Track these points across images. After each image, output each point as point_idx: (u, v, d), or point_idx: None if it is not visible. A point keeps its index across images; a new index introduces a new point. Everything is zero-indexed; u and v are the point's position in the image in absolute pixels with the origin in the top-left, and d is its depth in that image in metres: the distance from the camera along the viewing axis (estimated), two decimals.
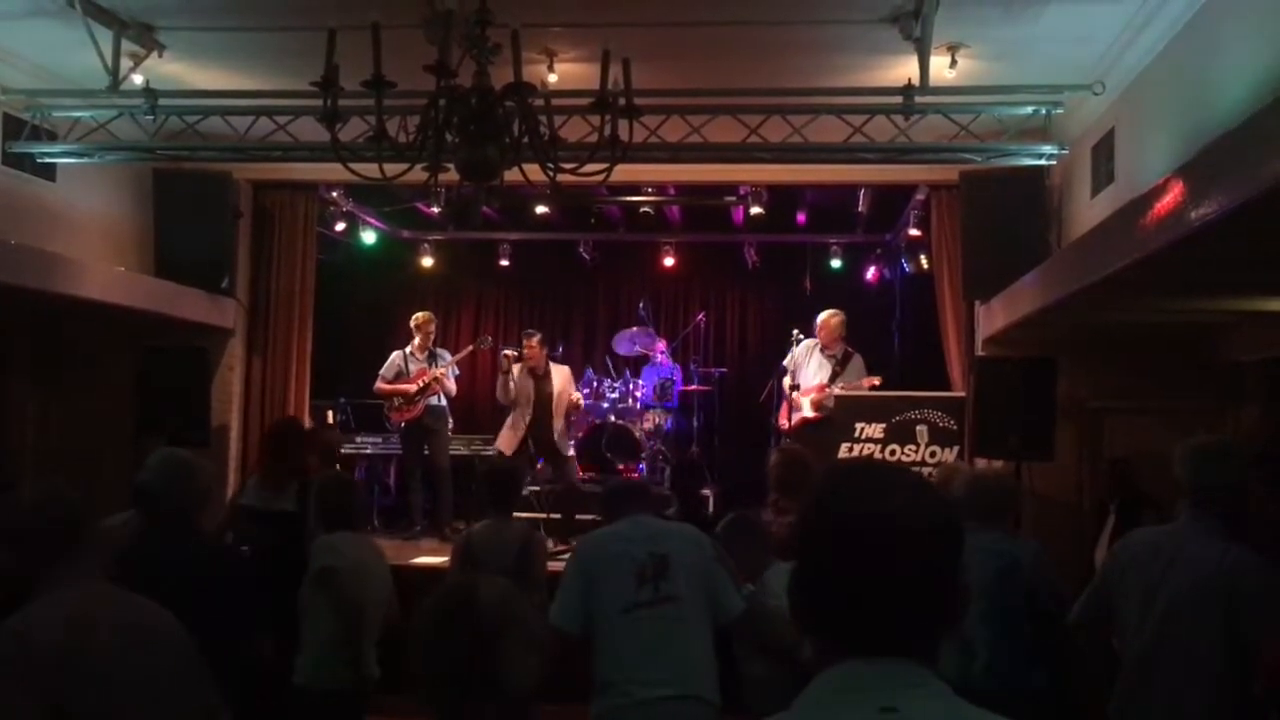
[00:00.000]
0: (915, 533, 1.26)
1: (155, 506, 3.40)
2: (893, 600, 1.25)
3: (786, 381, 8.10)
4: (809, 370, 8.05)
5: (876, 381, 7.85)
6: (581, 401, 8.57)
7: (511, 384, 7.95)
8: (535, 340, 8.05)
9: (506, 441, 7.99)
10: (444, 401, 8.53)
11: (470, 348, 9.16)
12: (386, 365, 8.47)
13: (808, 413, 7.82)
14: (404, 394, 8.34)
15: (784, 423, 8.02)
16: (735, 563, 3.73)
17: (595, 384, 9.95)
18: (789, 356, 8.18)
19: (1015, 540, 4.32)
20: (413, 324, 8.61)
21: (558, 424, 8.01)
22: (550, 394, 8.00)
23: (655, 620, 3.28)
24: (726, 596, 3.40)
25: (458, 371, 8.73)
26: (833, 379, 7.88)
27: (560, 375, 8.15)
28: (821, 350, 8.07)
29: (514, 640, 1.69)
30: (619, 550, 3.39)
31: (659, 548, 3.38)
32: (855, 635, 1.27)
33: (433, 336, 8.65)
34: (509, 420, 8.06)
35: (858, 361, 8.03)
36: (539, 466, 8.68)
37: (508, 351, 8.14)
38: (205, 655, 2.91)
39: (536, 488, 8.74)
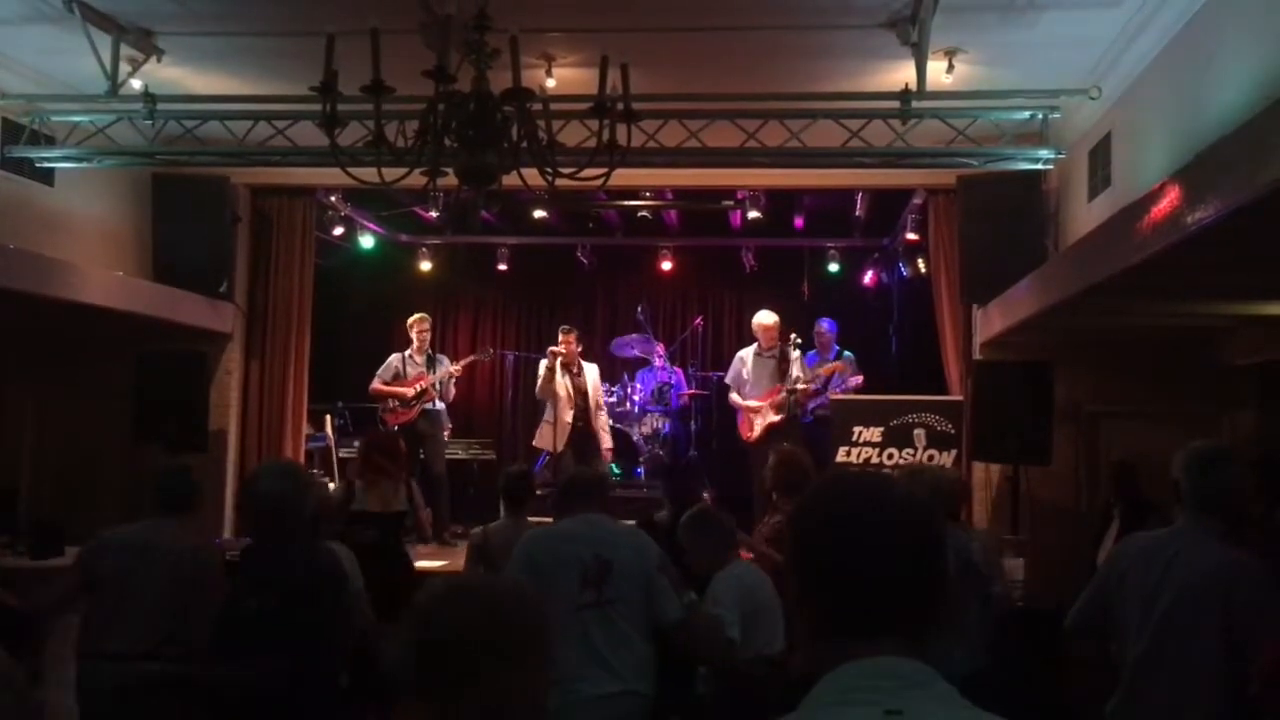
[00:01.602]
0: (902, 532, 1.30)
1: (291, 515, 3.38)
2: (888, 599, 1.28)
3: (734, 396, 8.35)
4: (753, 376, 8.18)
5: (839, 366, 8.03)
6: (602, 403, 8.73)
7: (554, 382, 8.26)
8: (573, 336, 8.40)
9: (549, 438, 8.22)
10: (441, 405, 8.55)
11: (471, 357, 9.17)
12: (384, 367, 8.53)
13: (771, 417, 7.93)
14: (400, 396, 8.39)
15: (746, 434, 8.18)
16: (696, 556, 4.00)
17: None
18: (729, 374, 8.49)
19: (969, 532, 4.40)
20: (408, 326, 8.67)
21: (597, 418, 8.40)
22: (585, 390, 8.36)
23: (598, 622, 3.42)
24: (663, 604, 3.51)
25: (457, 373, 8.79)
26: (784, 377, 8.03)
27: (592, 373, 8.51)
28: (758, 355, 8.26)
29: (497, 647, 1.65)
30: (566, 551, 3.50)
31: (604, 552, 3.49)
32: (855, 636, 1.28)
33: (428, 337, 8.67)
34: (547, 417, 8.31)
35: (795, 355, 8.20)
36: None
37: (553, 349, 8.41)
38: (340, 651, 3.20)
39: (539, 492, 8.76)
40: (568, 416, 8.20)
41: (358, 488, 5.55)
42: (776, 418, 7.90)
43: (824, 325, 8.90)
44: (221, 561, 3.97)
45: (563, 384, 8.26)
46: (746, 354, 8.44)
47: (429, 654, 1.63)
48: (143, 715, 3.74)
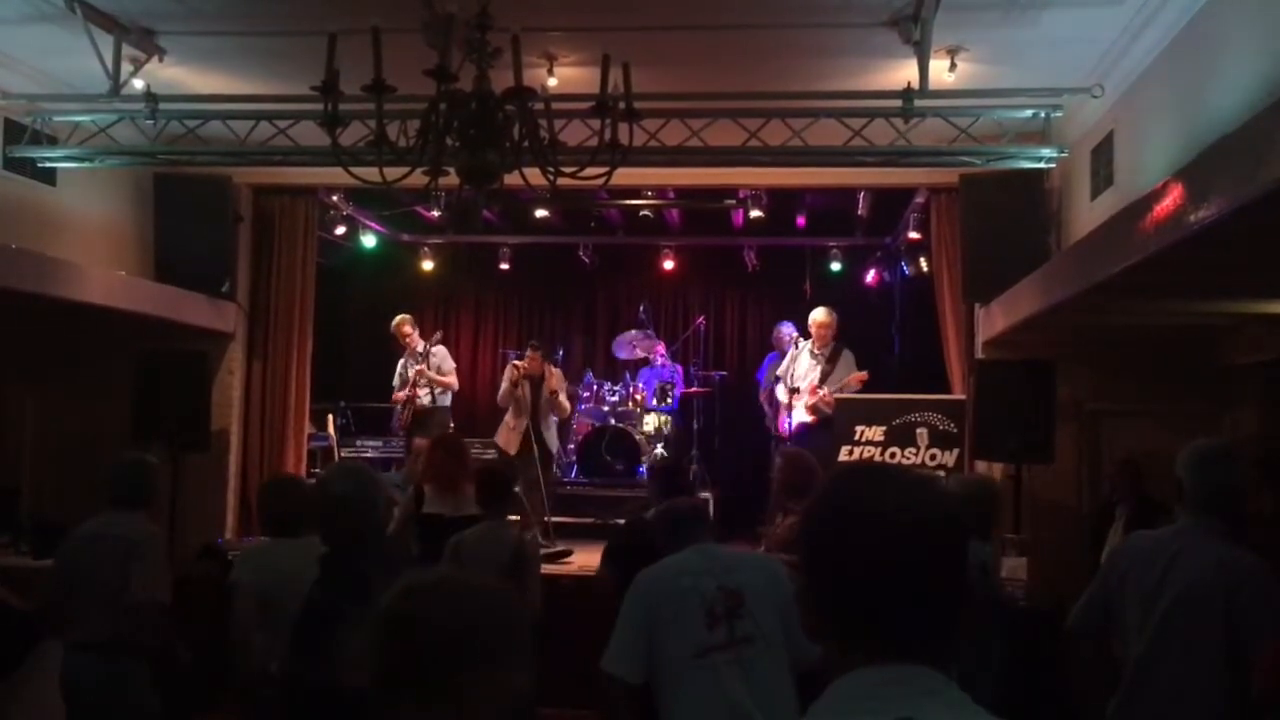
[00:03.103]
0: (920, 532, 1.25)
1: (369, 517, 3.32)
2: (902, 602, 1.24)
3: (780, 389, 8.12)
4: (799, 372, 8.06)
5: (864, 376, 7.84)
6: (560, 388, 8.69)
7: (516, 392, 8.28)
8: (538, 355, 8.44)
9: (506, 440, 8.29)
10: (445, 400, 8.60)
11: (437, 336, 9.01)
12: (395, 376, 8.71)
13: (804, 417, 7.82)
14: (399, 401, 8.58)
15: (782, 429, 8.04)
16: None
17: (595, 387, 9.96)
18: (783, 364, 8.25)
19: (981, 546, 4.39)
20: (392, 333, 8.75)
21: (547, 421, 8.41)
22: (539, 400, 8.36)
23: (732, 665, 2.92)
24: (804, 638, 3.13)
25: (451, 365, 8.86)
26: (823, 379, 7.86)
27: (551, 376, 8.49)
28: (811, 351, 8.09)
29: (461, 645, 1.57)
30: (686, 585, 3.01)
31: (730, 581, 3.01)
32: (868, 641, 1.25)
33: (410, 337, 8.67)
34: (507, 420, 8.34)
35: (848, 357, 8.00)
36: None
37: (516, 362, 8.41)
38: None
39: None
40: (522, 425, 8.25)
41: (426, 491, 5.35)
42: (811, 418, 7.78)
43: (784, 329, 8.85)
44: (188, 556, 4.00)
45: (523, 394, 8.32)
46: (802, 349, 8.17)
47: (392, 653, 1.60)
48: (121, 706, 3.76)
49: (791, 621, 2.95)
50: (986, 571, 4.22)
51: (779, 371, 8.31)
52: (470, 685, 1.56)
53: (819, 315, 8.12)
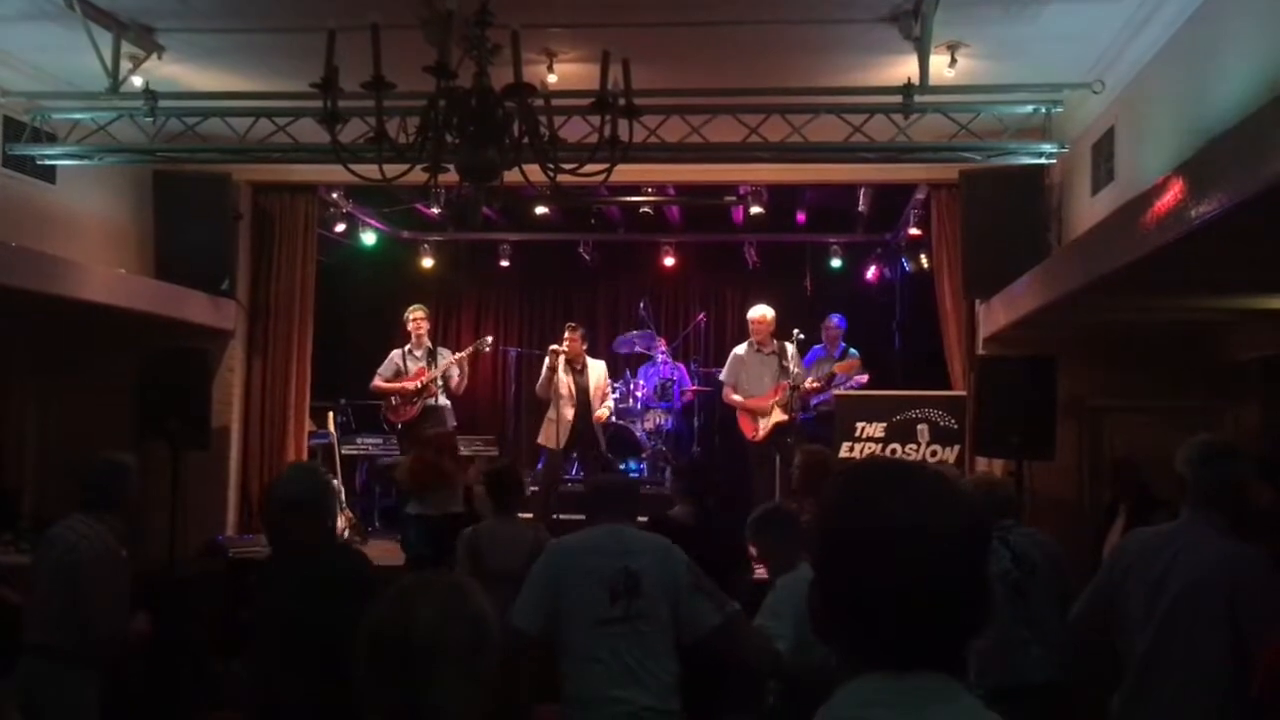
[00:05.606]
0: (936, 539, 1.21)
1: (313, 516, 3.33)
2: (917, 611, 1.20)
3: (734, 395, 8.13)
4: (751, 374, 8.07)
5: (858, 368, 7.92)
6: (609, 413, 8.62)
7: (555, 379, 8.17)
8: (578, 334, 8.32)
9: (551, 435, 8.15)
10: (445, 401, 8.48)
11: (471, 348, 8.97)
12: (385, 364, 8.48)
13: (778, 416, 7.80)
14: (400, 393, 8.34)
15: (750, 433, 8.03)
16: (766, 558, 3.87)
17: None
18: (726, 369, 8.30)
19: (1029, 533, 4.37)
20: (404, 319, 8.61)
21: (596, 418, 8.31)
22: (588, 388, 8.29)
23: (627, 636, 3.32)
24: (698, 613, 3.38)
25: (459, 371, 8.65)
26: (787, 374, 7.85)
27: (596, 371, 8.43)
28: (758, 350, 8.11)
29: (452, 673, 1.59)
30: (593, 564, 3.39)
31: (633, 563, 3.38)
32: (879, 647, 1.22)
33: (424, 326, 8.56)
34: (550, 414, 8.23)
35: (792, 350, 7.99)
36: (539, 465, 8.71)
37: (555, 347, 8.35)
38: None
39: (535, 488, 8.72)
40: (569, 414, 8.15)
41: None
42: (784, 417, 7.76)
43: (834, 320, 8.85)
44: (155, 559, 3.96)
45: (565, 381, 8.19)
46: (743, 350, 8.23)
47: (382, 654, 1.61)
48: (60, 704, 3.76)
49: (681, 600, 3.38)
50: (1019, 560, 4.17)
51: (723, 378, 8.33)
52: (455, 685, 1.59)
53: (765, 313, 8.15)
